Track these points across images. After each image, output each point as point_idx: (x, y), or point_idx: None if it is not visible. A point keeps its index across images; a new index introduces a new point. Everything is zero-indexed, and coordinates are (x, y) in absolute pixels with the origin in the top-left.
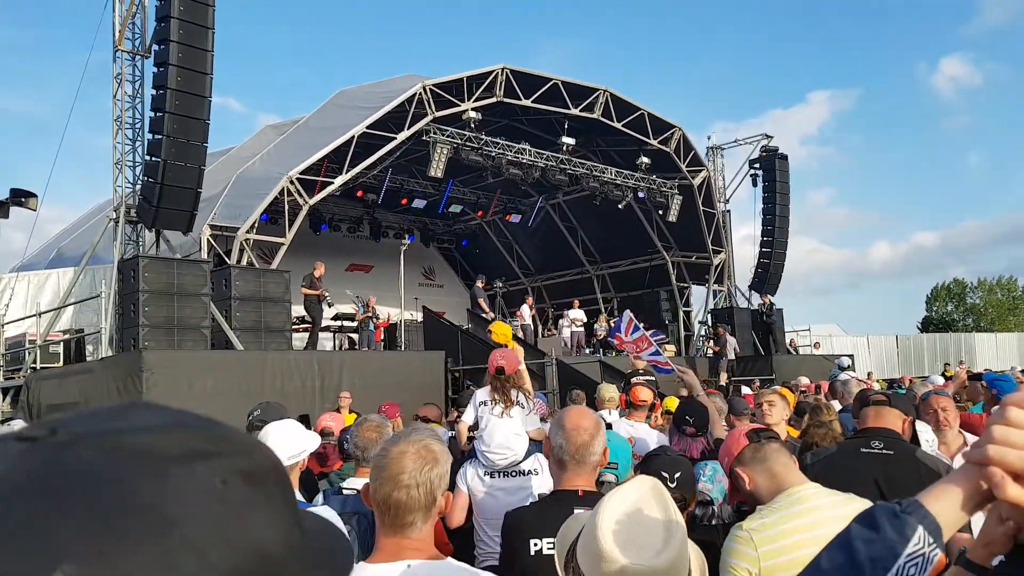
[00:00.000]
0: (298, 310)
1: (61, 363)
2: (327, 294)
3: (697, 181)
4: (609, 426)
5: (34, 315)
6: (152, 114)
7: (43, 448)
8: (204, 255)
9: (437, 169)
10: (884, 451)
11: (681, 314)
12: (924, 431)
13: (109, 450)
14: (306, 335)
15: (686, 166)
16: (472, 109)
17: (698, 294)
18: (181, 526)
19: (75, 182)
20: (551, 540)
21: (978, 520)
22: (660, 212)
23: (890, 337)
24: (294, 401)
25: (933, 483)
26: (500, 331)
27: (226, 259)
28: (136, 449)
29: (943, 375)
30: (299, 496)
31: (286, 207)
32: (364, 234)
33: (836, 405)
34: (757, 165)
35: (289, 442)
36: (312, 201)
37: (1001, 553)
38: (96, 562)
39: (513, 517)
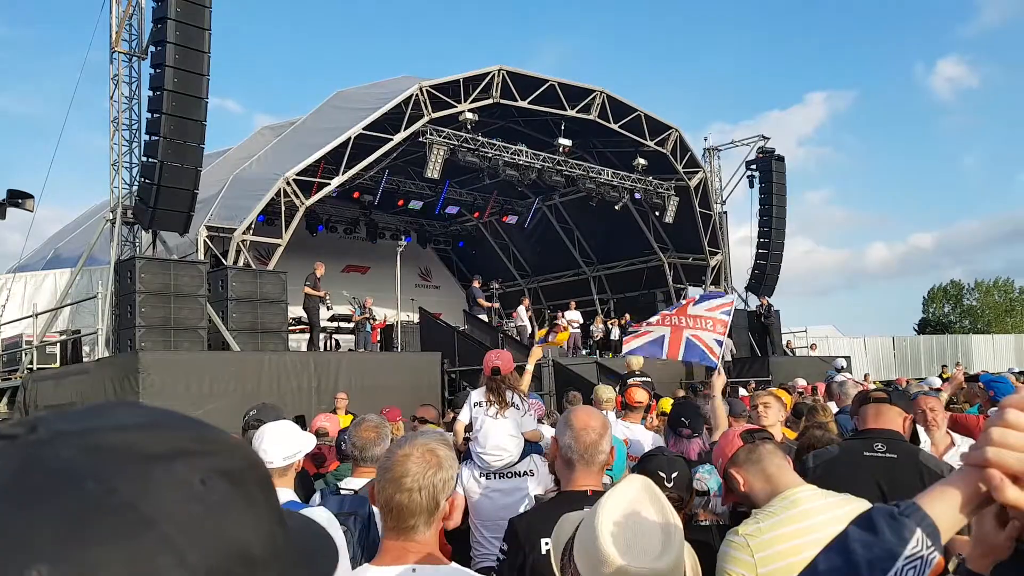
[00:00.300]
0: (294, 311)
1: (58, 364)
2: (328, 296)
3: (694, 182)
4: None
5: (31, 316)
6: (149, 115)
7: (22, 446)
8: (201, 256)
9: (434, 170)
10: (887, 454)
11: None
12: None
13: (88, 448)
14: (301, 336)
15: (683, 167)
16: (468, 110)
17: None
18: (159, 525)
19: (72, 183)
20: None
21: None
22: (656, 213)
23: (886, 338)
24: (291, 402)
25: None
26: (561, 338)
27: (223, 260)
28: (115, 447)
29: (940, 376)
30: (295, 497)
31: (283, 208)
32: (361, 235)
33: (833, 407)
34: (754, 166)
35: (285, 443)
36: (309, 202)
37: (1001, 558)
38: (72, 562)
39: (522, 520)
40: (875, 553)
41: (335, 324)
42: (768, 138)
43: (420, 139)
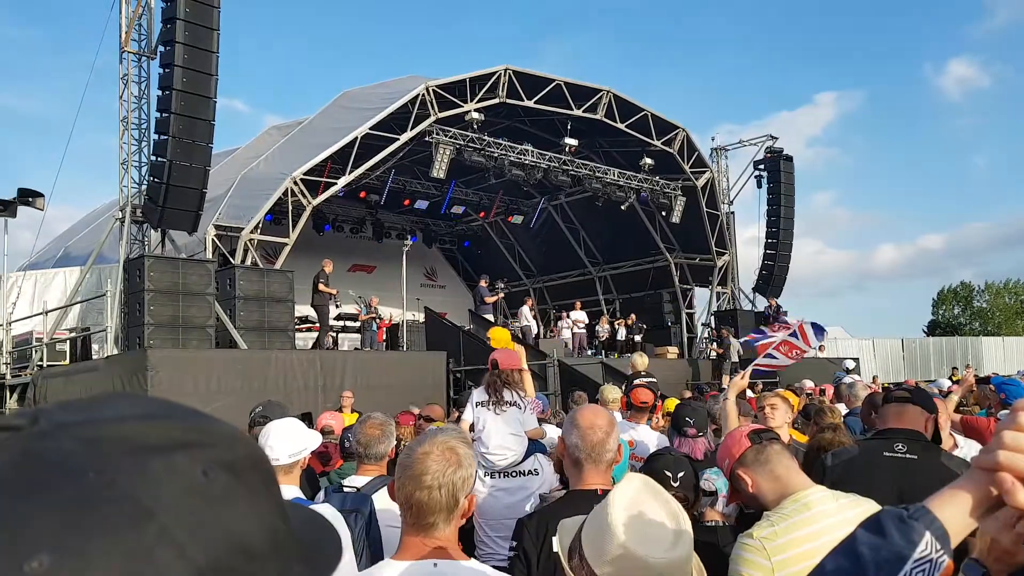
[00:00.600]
0: (301, 310)
1: (67, 361)
2: (337, 294)
3: (701, 182)
4: None
5: (41, 313)
6: (158, 115)
7: (23, 438)
8: (209, 255)
9: (440, 170)
10: (907, 455)
11: (684, 316)
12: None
13: (89, 440)
14: (308, 335)
15: (690, 167)
16: (475, 110)
17: (701, 296)
18: (159, 517)
19: (82, 182)
20: None
21: None
22: (663, 213)
23: (895, 340)
24: (297, 400)
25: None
26: (497, 336)
27: (230, 259)
28: (116, 439)
29: (950, 379)
30: (301, 495)
31: (290, 207)
32: (367, 235)
33: (842, 408)
34: (762, 166)
35: (291, 440)
36: (316, 202)
37: (1019, 564)
38: (72, 553)
39: (532, 519)
40: (883, 556)
41: (341, 323)
42: (776, 138)
43: (426, 139)
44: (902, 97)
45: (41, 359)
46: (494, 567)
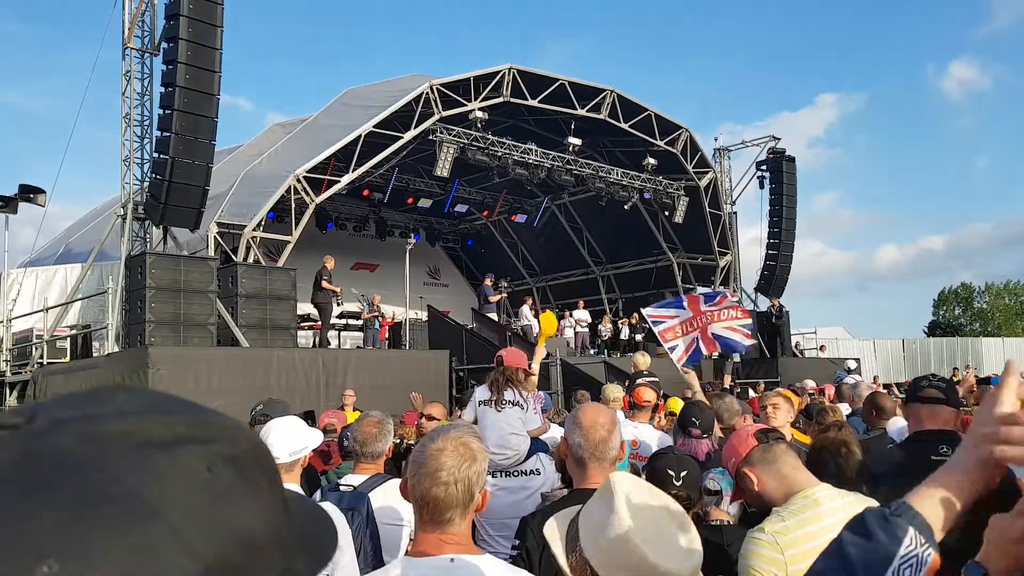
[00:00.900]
0: (303, 308)
1: (68, 358)
2: (339, 291)
3: (704, 182)
4: None
5: (41, 310)
6: (160, 111)
7: (22, 436)
8: (211, 252)
9: (443, 168)
10: None
11: None
12: None
13: (90, 437)
14: (311, 332)
15: (693, 167)
16: (479, 109)
17: None
18: (166, 515)
19: (84, 178)
20: None
21: None
22: (666, 213)
23: (896, 341)
24: (299, 398)
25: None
26: (547, 320)
27: (233, 256)
28: (117, 435)
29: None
30: (301, 493)
31: (293, 205)
32: (370, 233)
33: (845, 408)
34: (764, 167)
35: (291, 438)
36: (319, 199)
37: None
38: (78, 555)
39: (535, 518)
40: (870, 555)
41: (344, 321)
42: (779, 139)
43: (430, 137)
44: (904, 99)
45: (41, 356)
46: None
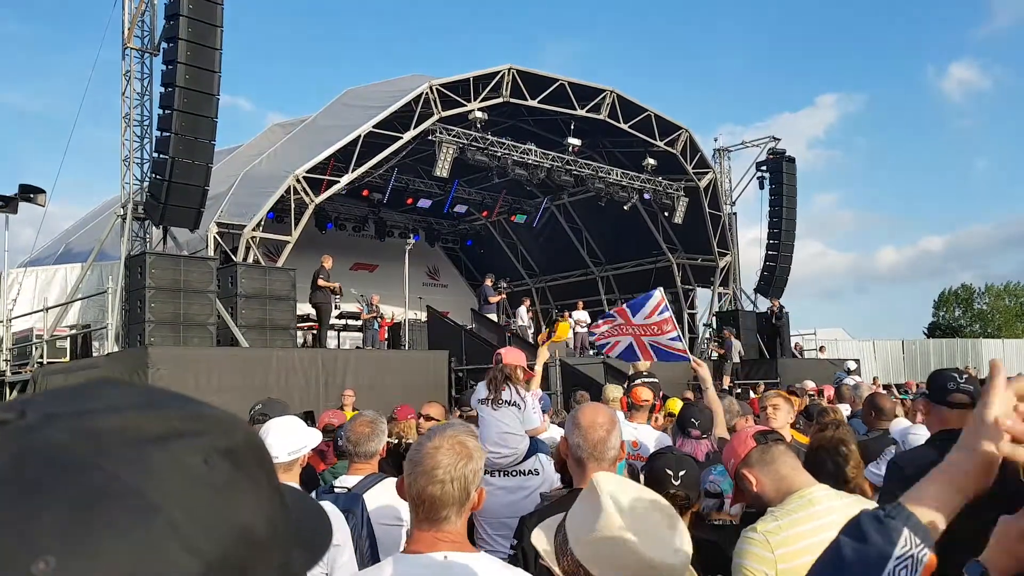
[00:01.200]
0: (303, 308)
1: (68, 358)
2: (339, 287)
3: (703, 183)
4: None
5: (41, 310)
6: (160, 111)
7: (14, 432)
8: (211, 252)
9: (443, 169)
10: None
11: (686, 316)
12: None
13: (84, 432)
14: (310, 332)
15: (692, 168)
16: (478, 109)
17: (703, 296)
18: (167, 511)
19: (83, 178)
20: None
21: None
22: (666, 214)
23: (896, 342)
24: (298, 398)
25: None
26: (563, 330)
27: (232, 256)
28: (112, 430)
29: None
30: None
31: (292, 205)
32: (369, 233)
33: (845, 409)
34: (764, 167)
35: (290, 438)
36: (318, 200)
37: None
38: (79, 553)
39: (532, 518)
40: (866, 558)
41: (343, 322)
42: (779, 139)
43: (430, 138)
44: (904, 99)
45: (41, 356)
46: None
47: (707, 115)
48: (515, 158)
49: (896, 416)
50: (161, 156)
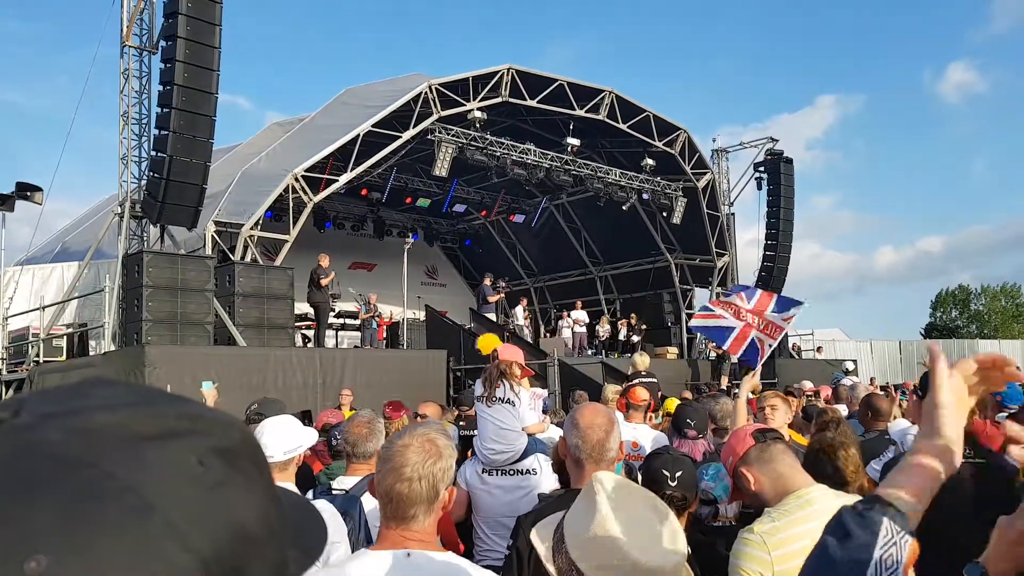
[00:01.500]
0: (301, 307)
1: (64, 357)
2: (337, 283)
3: (702, 184)
4: None
5: (38, 308)
6: (159, 110)
7: (7, 431)
8: (208, 251)
9: (442, 168)
10: (976, 460)
11: (684, 316)
12: None
13: (78, 431)
14: (308, 332)
15: (691, 168)
16: (477, 109)
17: (701, 297)
18: (162, 510)
19: (81, 177)
20: None
21: None
22: (664, 214)
23: (893, 343)
24: (296, 398)
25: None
26: (485, 343)
27: (230, 255)
28: (106, 429)
29: None
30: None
31: (291, 204)
32: (368, 232)
33: (842, 409)
34: (762, 168)
35: (286, 437)
36: (317, 199)
37: None
38: (74, 552)
39: (528, 517)
40: (852, 552)
41: (341, 321)
42: (777, 140)
43: (429, 137)
44: (901, 101)
45: (37, 355)
46: (488, 566)
47: (706, 116)
48: (514, 158)
49: (894, 417)
50: (159, 154)
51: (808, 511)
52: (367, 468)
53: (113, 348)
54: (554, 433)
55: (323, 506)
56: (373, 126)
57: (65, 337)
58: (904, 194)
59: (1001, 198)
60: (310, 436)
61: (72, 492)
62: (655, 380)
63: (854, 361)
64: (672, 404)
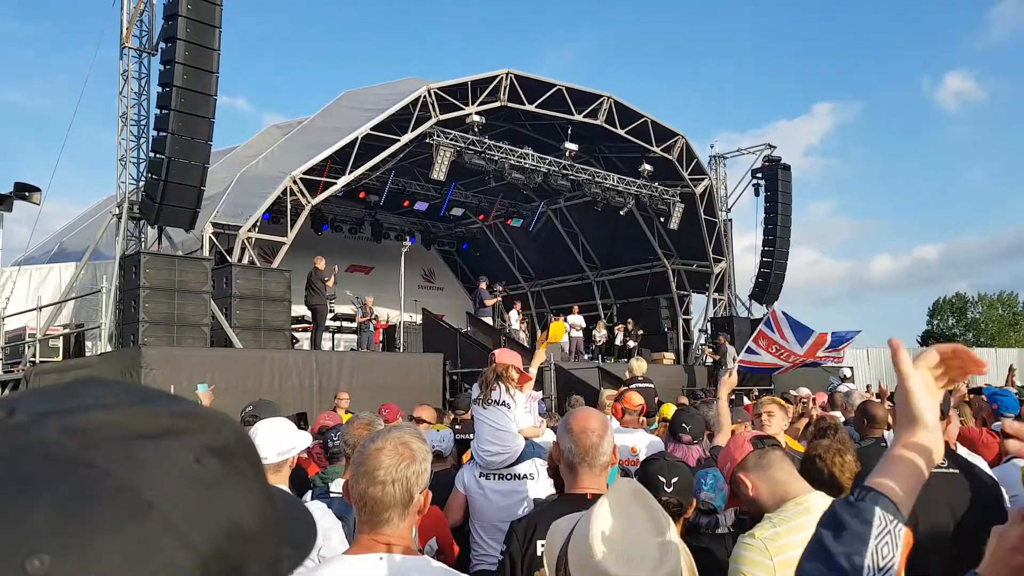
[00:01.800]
0: (298, 310)
1: (60, 358)
2: (336, 284)
3: (699, 189)
4: None
5: (35, 309)
6: (157, 111)
7: (2, 430)
8: (206, 253)
9: (440, 172)
10: (950, 470)
11: (680, 322)
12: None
13: (74, 430)
14: (303, 335)
15: (688, 174)
16: (476, 113)
17: (698, 302)
18: (160, 508)
19: (79, 177)
20: None
21: None
22: (661, 219)
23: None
24: (292, 400)
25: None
26: (556, 330)
27: (227, 257)
28: (102, 428)
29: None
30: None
31: (288, 207)
32: (365, 235)
33: (839, 417)
34: (759, 175)
35: (279, 439)
36: (314, 201)
37: None
38: (74, 550)
39: (521, 522)
40: (848, 543)
41: (337, 323)
42: (774, 147)
43: (427, 140)
44: (899, 109)
45: (34, 355)
46: (484, 570)
47: (704, 122)
48: (512, 162)
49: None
50: (158, 156)
51: (808, 518)
52: None
53: (109, 349)
54: (551, 437)
55: (315, 505)
56: (371, 129)
57: (62, 338)
58: (901, 202)
59: (998, 207)
60: (304, 439)
61: (69, 491)
62: (652, 385)
63: (851, 368)
64: (668, 410)
